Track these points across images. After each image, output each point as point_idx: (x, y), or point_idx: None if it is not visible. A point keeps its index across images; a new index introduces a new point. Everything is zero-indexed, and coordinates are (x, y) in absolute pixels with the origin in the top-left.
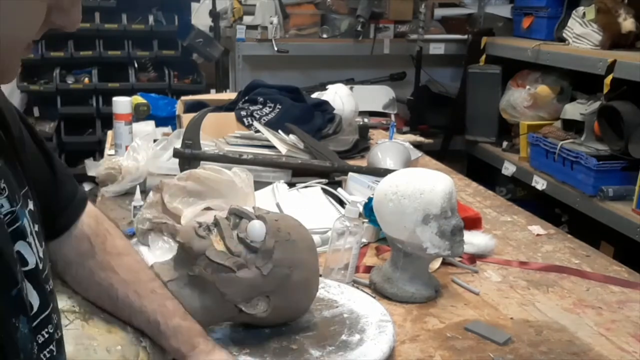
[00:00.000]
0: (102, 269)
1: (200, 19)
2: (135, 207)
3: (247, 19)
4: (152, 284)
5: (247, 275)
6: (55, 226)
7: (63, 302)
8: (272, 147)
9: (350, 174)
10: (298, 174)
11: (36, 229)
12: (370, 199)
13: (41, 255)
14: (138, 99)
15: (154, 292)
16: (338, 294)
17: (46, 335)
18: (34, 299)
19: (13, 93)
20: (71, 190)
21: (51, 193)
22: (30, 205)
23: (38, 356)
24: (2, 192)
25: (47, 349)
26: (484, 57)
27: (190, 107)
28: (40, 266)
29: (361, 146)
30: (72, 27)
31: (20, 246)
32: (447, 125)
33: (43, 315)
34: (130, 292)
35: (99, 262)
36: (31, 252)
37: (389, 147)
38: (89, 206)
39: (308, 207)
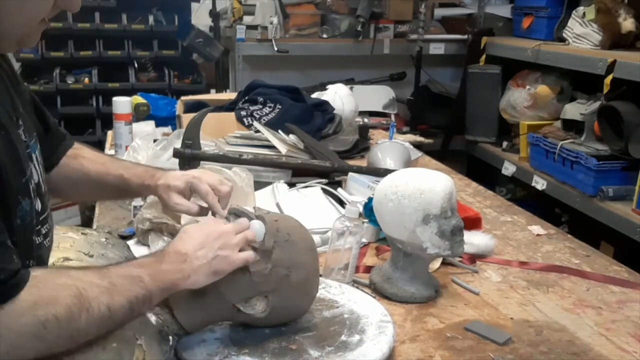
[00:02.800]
0: (74, 158)
1: (200, 19)
2: (135, 207)
3: (247, 19)
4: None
5: (246, 275)
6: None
7: None
8: (272, 147)
9: (350, 174)
10: (298, 174)
11: (40, 161)
12: (370, 199)
13: (43, 177)
14: (138, 99)
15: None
16: (339, 294)
17: (45, 230)
18: (39, 204)
19: None
20: (56, 141)
21: (44, 142)
22: (38, 146)
23: (42, 242)
24: (19, 126)
25: (47, 239)
26: (484, 57)
27: (190, 107)
28: (43, 185)
29: (361, 146)
30: (74, 9)
31: (30, 167)
32: (447, 125)
33: (44, 215)
34: (98, 165)
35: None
36: (37, 173)
37: (389, 147)
38: (72, 148)
39: (308, 207)
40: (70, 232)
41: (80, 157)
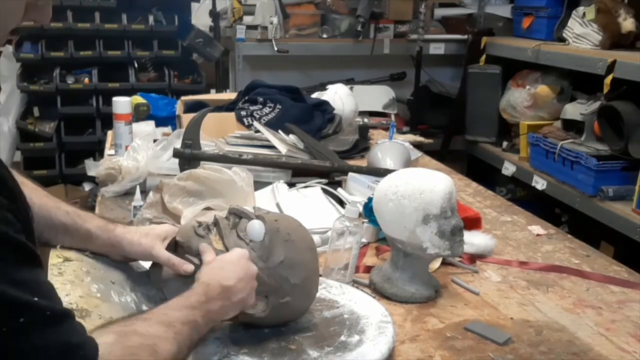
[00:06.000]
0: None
1: (200, 19)
2: (135, 207)
3: (247, 19)
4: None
5: None
6: None
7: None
8: (272, 147)
9: (350, 174)
10: (298, 174)
11: None
12: (370, 199)
13: None
14: (138, 99)
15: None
16: (339, 294)
17: None
18: None
19: (13, 93)
20: None
21: None
22: None
23: None
24: None
25: None
26: (484, 57)
27: (190, 107)
28: None
29: (361, 146)
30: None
31: None
32: (447, 125)
33: None
34: (42, 196)
35: None
36: None
37: (389, 147)
38: None
39: (308, 207)
40: None
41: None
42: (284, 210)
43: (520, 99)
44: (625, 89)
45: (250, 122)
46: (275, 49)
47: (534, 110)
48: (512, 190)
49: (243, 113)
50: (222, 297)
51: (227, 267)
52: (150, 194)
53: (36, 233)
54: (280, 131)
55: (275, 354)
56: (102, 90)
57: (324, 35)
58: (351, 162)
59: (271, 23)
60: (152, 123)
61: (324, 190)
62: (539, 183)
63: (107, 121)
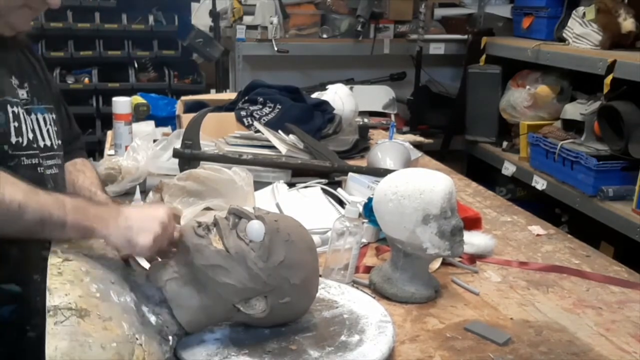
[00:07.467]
0: (77, 171)
1: (200, 19)
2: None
3: (247, 19)
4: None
5: (245, 275)
6: None
7: (60, 299)
8: (272, 147)
9: (350, 174)
10: (298, 174)
11: (55, 128)
12: (370, 199)
13: (54, 139)
14: (138, 99)
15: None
16: (338, 294)
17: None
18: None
19: None
20: (74, 137)
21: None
22: (53, 115)
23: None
24: (24, 87)
25: (45, 168)
26: (484, 57)
27: (190, 107)
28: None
29: (361, 146)
30: (54, 3)
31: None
32: (447, 125)
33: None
34: (88, 184)
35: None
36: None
37: (389, 147)
38: (81, 160)
39: (308, 207)
40: None
41: (82, 172)
42: (284, 211)
43: (520, 99)
44: (625, 89)
45: (250, 122)
46: (275, 49)
47: (534, 110)
48: (512, 190)
49: (243, 113)
50: (109, 214)
51: (144, 206)
52: (150, 194)
53: None
54: (280, 131)
55: (276, 355)
56: (102, 90)
57: (324, 35)
58: (351, 162)
59: (271, 23)
60: (152, 123)
61: (324, 191)
62: (539, 183)
63: (107, 121)
